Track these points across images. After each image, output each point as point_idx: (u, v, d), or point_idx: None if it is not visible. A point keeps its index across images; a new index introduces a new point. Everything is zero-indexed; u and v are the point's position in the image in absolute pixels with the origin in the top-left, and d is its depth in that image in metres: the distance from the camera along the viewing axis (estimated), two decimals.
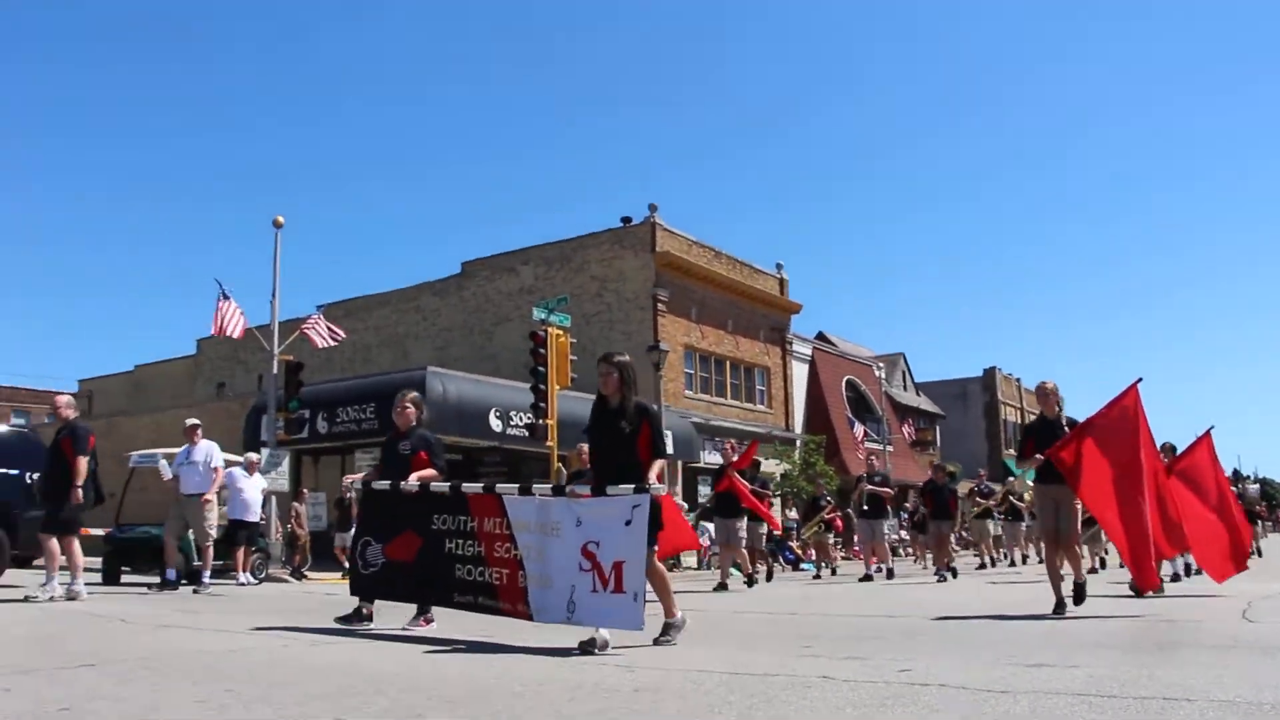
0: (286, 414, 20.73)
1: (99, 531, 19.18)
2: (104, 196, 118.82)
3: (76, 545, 10.67)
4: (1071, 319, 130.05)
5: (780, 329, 41.56)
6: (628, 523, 6.12)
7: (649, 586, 6.22)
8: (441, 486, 7.42)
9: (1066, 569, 9.05)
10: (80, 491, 10.44)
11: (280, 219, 22.19)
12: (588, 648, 5.85)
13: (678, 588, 6.87)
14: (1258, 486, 56.37)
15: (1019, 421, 62.56)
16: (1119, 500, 8.52)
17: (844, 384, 46.83)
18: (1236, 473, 59.94)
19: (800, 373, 43.65)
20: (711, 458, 31.37)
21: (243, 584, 15.12)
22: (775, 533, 20.60)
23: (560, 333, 21.73)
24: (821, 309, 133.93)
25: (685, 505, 25.29)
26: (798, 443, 39.98)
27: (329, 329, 23.59)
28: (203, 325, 23.52)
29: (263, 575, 17.43)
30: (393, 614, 7.79)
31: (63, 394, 12.13)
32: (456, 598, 7.07)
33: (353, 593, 7.87)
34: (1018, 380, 66.65)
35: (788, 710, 4.08)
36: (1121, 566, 12.58)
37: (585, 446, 9.01)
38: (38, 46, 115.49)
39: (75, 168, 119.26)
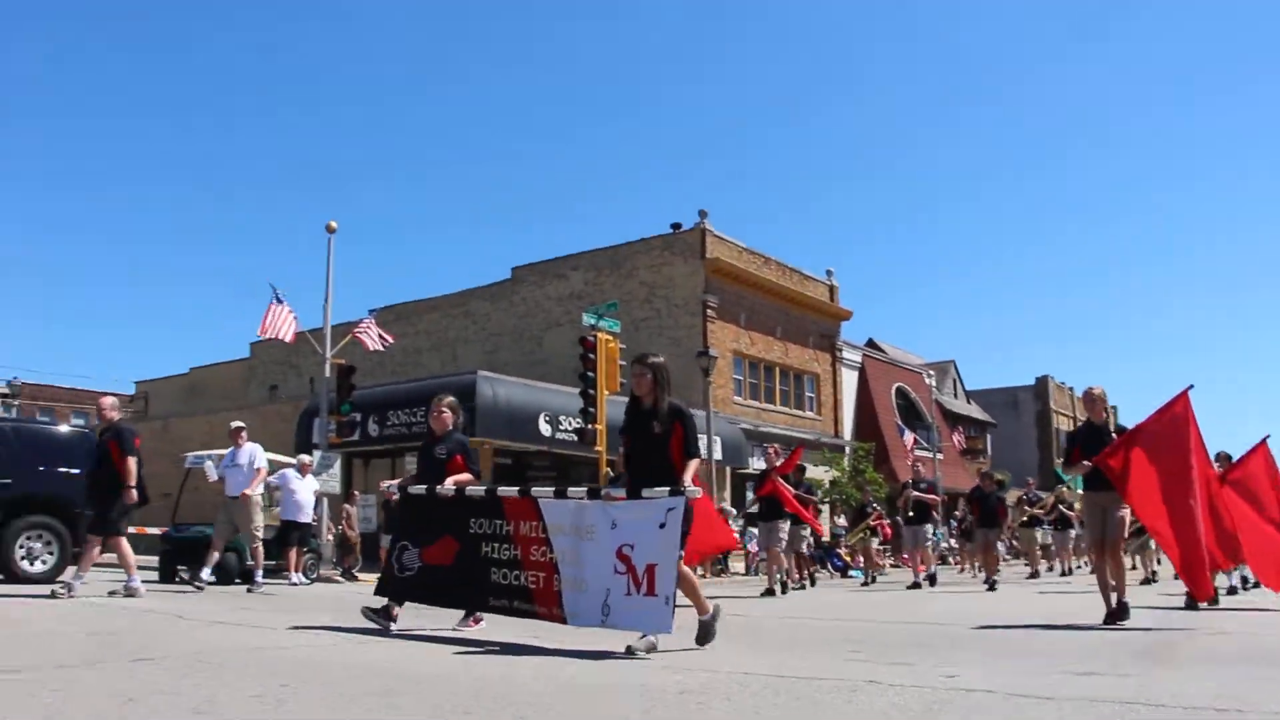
0: (338, 417, 20.92)
1: (155, 531, 19.55)
2: (164, 197, 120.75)
3: (125, 544, 10.86)
4: (1128, 326, 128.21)
5: (830, 336, 41.42)
6: (662, 525, 6.11)
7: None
8: (477, 490, 7.47)
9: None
10: (134, 492, 10.63)
11: (334, 224, 22.44)
12: (634, 651, 5.87)
13: (725, 593, 6.92)
14: None
15: (1071, 430, 61.70)
16: (1169, 508, 8.40)
17: (894, 391, 46.58)
18: None
19: (850, 380, 43.47)
20: (760, 464, 31.32)
21: (295, 584, 15.30)
22: (821, 538, 20.54)
23: (610, 338, 21.79)
24: (872, 316, 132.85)
25: (734, 511, 25.29)
26: (846, 450, 39.81)
27: (379, 335, 23.83)
28: (256, 329, 23.79)
29: (314, 576, 17.61)
30: (440, 615, 7.87)
31: (108, 395, 12.27)
32: (491, 602, 7.09)
33: (378, 593, 7.83)
34: (1070, 389, 65.84)
35: (833, 713, 4.11)
36: (1176, 578, 12.46)
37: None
38: (87, 38, 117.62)
39: (141, 168, 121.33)
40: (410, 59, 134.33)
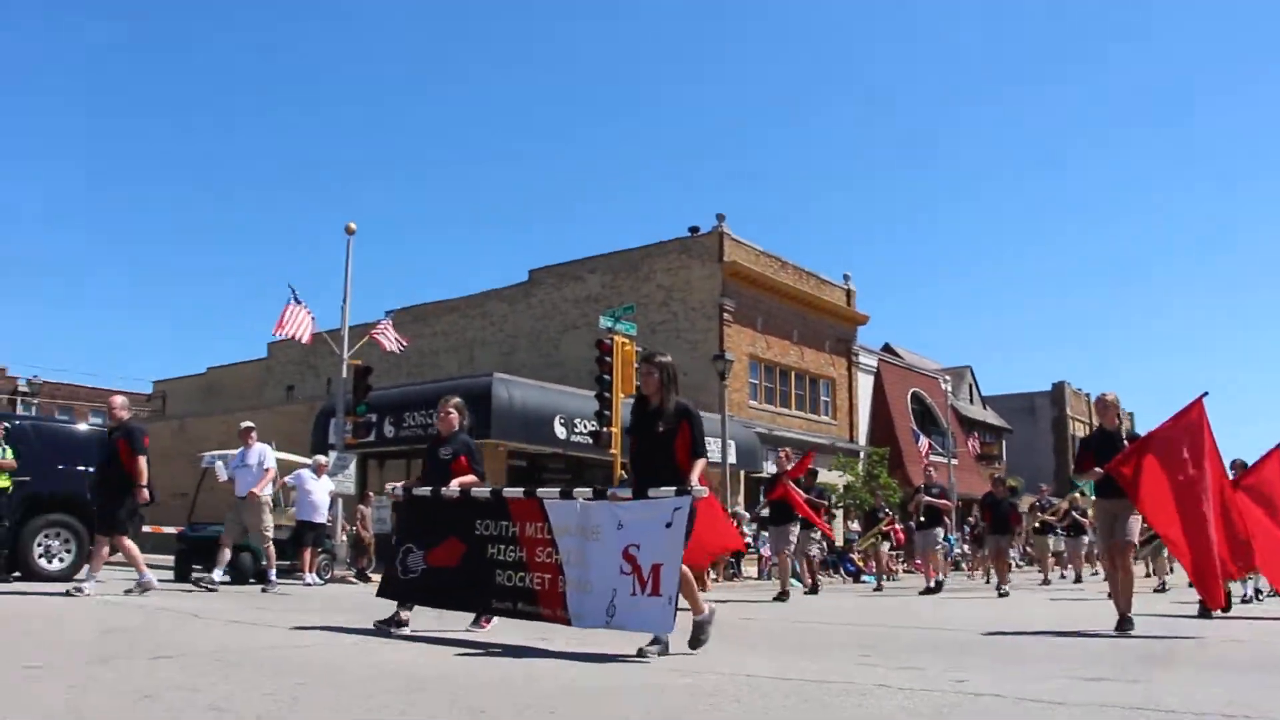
0: (355, 418, 21.00)
1: (171, 530, 19.66)
2: (182, 197, 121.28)
3: (129, 541, 10.81)
4: (1147, 331, 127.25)
5: (846, 340, 41.38)
6: (668, 525, 6.09)
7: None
8: (482, 491, 7.46)
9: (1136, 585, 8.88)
10: (146, 491, 10.66)
11: (352, 225, 22.53)
12: (645, 653, 5.89)
13: (737, 598, 6.93)
14: None
15: (1084, 437, 61.45)
16: (1181, 515, 8.36)
17: (909, 396, 46.48)
18: None
19: (865, 384, 43.41)
20: (775, 469, 31.27)
21: (309, 584, 15.37)
22: (833, 542, 20.52)
23: (626, 341, 21.79)
24: (888, 320, 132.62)
25: (747, 515, 25.27)
26: (861, 455, 39.76)
27: (396, 337, 23.92)
28: (272, 329, 23.90)
29: (328, 576, 17.68)
30: (451, 617, 7.89)
31: (118, 394, 12.27)
32: (495, 604, 7.07)
33: (380, 595, 7.82)
34: (1087, 395, 65.60)
35: (843, 716, 4.14)
36: (1190, 586, 12.40)
37: None
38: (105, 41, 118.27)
39: (159, 170, 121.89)
40: (411, 59, 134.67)
